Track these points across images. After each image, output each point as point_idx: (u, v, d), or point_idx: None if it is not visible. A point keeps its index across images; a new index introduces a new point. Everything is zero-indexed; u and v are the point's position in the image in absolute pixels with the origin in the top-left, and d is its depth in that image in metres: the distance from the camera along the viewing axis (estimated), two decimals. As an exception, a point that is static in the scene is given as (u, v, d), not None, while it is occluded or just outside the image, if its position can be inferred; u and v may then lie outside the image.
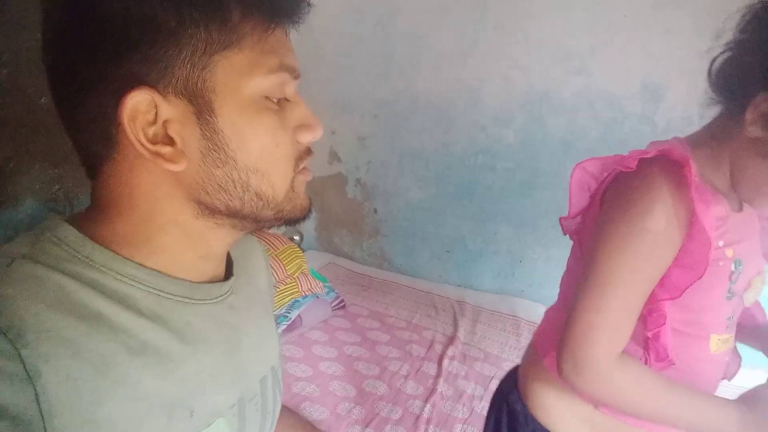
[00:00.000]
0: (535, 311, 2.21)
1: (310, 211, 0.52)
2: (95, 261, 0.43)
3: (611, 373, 0.68)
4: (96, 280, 0.43)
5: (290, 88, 0.47)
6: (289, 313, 1.92)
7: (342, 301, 2.22)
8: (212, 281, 0.52)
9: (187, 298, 0.48)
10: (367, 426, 1.51)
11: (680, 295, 0.68)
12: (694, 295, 0.68)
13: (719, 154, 0.71)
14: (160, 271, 0.46)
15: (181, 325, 0.48)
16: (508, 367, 1.85)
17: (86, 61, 0.41)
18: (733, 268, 0.72)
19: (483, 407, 1.63)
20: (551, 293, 0.90)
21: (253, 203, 0.46)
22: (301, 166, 0.49)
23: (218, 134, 0.43)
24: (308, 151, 0.50)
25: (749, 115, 0.64)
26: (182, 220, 0.46)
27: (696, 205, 0.64)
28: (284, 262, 2.01)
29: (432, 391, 1.69)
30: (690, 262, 0.67)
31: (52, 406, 0.37)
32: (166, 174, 0.44)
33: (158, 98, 0.41)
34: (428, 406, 1.61)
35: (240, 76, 0.43)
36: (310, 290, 2.03)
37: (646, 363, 0.73)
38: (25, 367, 0.36)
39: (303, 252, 2.21)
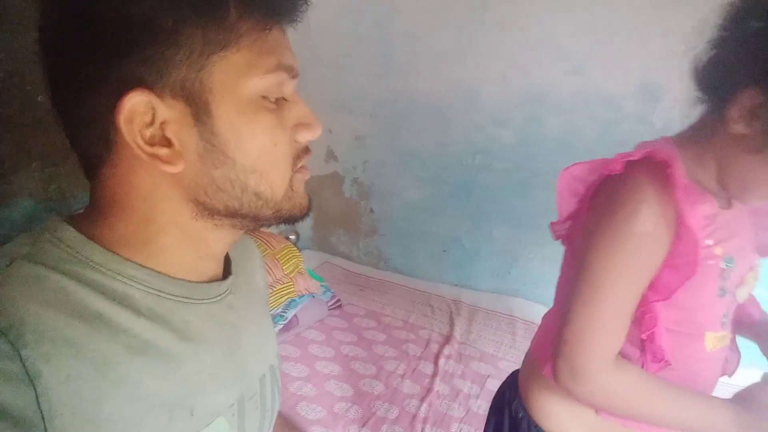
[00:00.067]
0: (531, 310, 2.22)
1: (309, 209, 0.52)
2: (95, 261, 0.43)
3: (607, 379, 0.69)
4: (96, 281, 0.43)
5: (288, 88, 0.47)
6: (285, 312, 1.92)
7: (338, 300, 2.22)
8: (211, 281, 0.52)
9: (186, 298, 0.48)
10: (364, 425, 1.51)
11: (671, 296, 0.68)
12: (685, 294, 0.68)
13: (706, 151, 0.71)
14: (159, 272, 0.46)
15: (181, 324, 0.48)
16: (504, 366, 1.88)
17: (83, 62, 0.40)
18: (723, 266, 0.72)
19: (479, 406, 1.64)
20: (547, 292, 0.90)
21: (251, 203, 0.46)
22: (299, 165, 0.49)
23: (216, 135, 0.43)
24: (306, 150, 0.50)
25: (733, 112, 0.64)
26: (181, 222, 0.46)
27: (681, 206, 0.64)
28: (281, 262, 2.01)
29: (428, 390, 1.70)
30: (679, 262, 0.67)
31: (52, 407, 0.37)
32: (164, 175, 0.44)
33: (155, 100, 0.41)
34: (425, 405, 1.62)
35: (237, 77, 0.43)
36: (306, 290, 2.03)
37: (642, 365, 0.74)
38: (25, 367, 0.36)
39: (300, 251, 2.21)
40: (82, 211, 0.48)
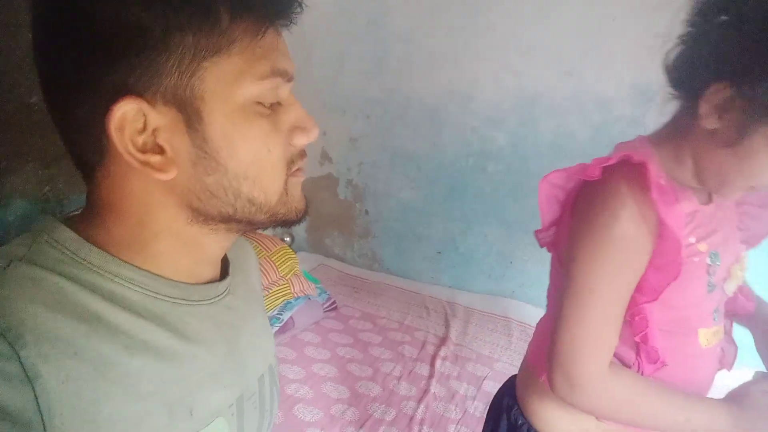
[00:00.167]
0: (525, 312, 2.22)
1: (305, 213, 0.51)
2: (92, 263, 0.43)
3: (604, 386, 0.69)
4: (93, 282, 0.43)
5: (283, 91, 0.46)
6: (281, 314, 1.92)
7: (334, 302, 2.22)
8: (209, 282, 0.52)
9: (184, 300, 0.48)
10: (360, 427, 1.51)
11: (658, 297, 0.69)
12: (674, 293, 0.68)
13: (681, 149, 0.71)
14: (156, 274, 0.46)
15: (180, 325, 0.48)
16: (499, 367, 1.88)
17: (73, 68, 0.40)
18: (709, 262, 0.72)
19: (476, 407, 1.64)
20: (542, 294, 0.90)
21: (245, 209, 0.46)
22: (294, 169, 0.49)
23: (208, 142, 0.42)
24: (302, 154, 0.49)
25: (703, 108, 0.64)
26: (176, 227, 0.46)
27: (659, 207, 0.64)
28: (277, 264, 2.00)
29: (425, 391, 1.70)
30: (663, 263, 0.68)
31: (51, 407, 0.37)
32: (157, 182, 0.43)
33: (146, 107, 0.40)
34: (421, 406, 1.62)
35: (230, 83, 0.42)
36: (302, 292, 2.03)
37: (638, 366, 0.74)
38: (23, 368, 0.36)
39: (295, 253, 2.20)
40: (78, 212, 0.48)
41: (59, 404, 0.38)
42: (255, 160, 0.44)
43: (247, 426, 0.55)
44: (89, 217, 0.46)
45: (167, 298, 0.47)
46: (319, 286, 2.22)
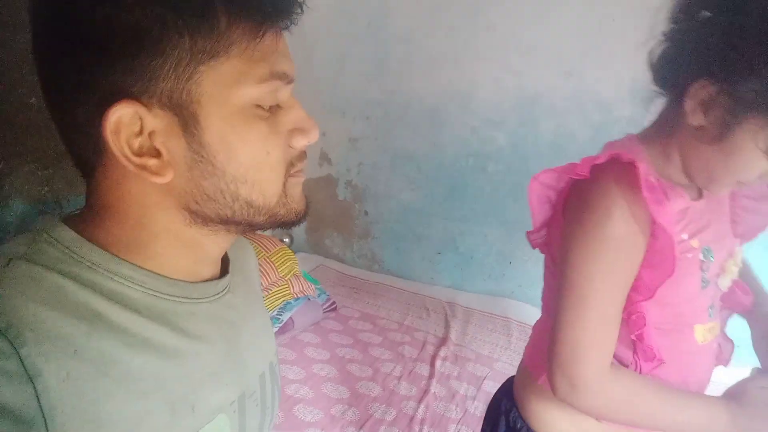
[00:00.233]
0: (525, 312, 2.23)
1: (305, 214, 0.51)
2: (92, 262, 0.43)
3: (606, 387, 0.68)
4: (93, 281, 0.43)
5: (283, 94, 0.46)
6: (281, 315, 1.91)
7: (333, 303, 2.22)
8: (209, 280, 0.52)
9: (184, 298, 0.48)
10: (361, 428, 1.51)
11: (654, 295, 0.68)
12: (668, 290, 0.68)
13: (670, 145, 0.71)
14: (156, 273, 0.46)
15: (180, 323, 0.48)
16: (499, 367, 1.88)
17: (70, 69, 0.40)
18: (702, 258, 0.72)
19: (476, 407, 1.64)
20: (540, 294, 0.90)
21: (244, 211, 0.46)
22: (293, 171, 0.48)
23: (204, 146, 0.42)
24: (302, 155, 0.49)
25: (688, 105, 0.64)
26: (175, 229, 0.46)
27: (650, 205, 0.64)
28: (276, 264, 2.00)
29: (425, 391, 1.70)
30: (657, 261, 0.67)
31: (53, 405, 0.37)
32: (154, 184, 0.43)
33: (142, 111, 0.40)
34: (422, 406, 1.62)
35: (227, 87, 0.41)
36: (302, 292, 2.03)
37: (636, 365, 0.74)
38: (24, 366, 0.36)
39: (294, 254, 2.20)
40: (78, 212, 0.48)
41: (60, 402, 0.37)
42: (253, 163, 0.44)
43: (249, 424, 0.55)
44: (89, 216, 0.46)
45: (167, 297, 0.47)
46: (318, 286, 2.22)
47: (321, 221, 2.84)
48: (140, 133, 0.41)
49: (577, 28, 1.99)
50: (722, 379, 0.85)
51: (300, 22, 0.46)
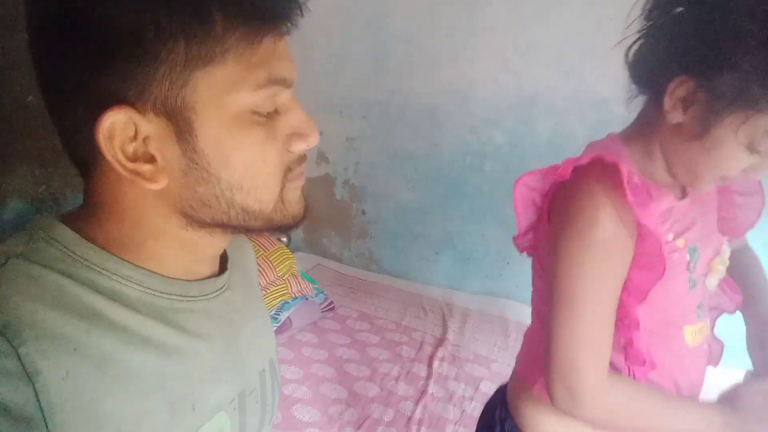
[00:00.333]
0: (522, 312, 2.22)
1: (303, 218, 0.50)
2: (90, 261, 0.43)
3: (607, 395, 0.68)
4: (92, 280, 0.42)
5: (282, 98, 0.45)
6: (278, 314, 1.91)
7: (331, 302, 2.21)
8: (208, 277, 0.52)
9: (182, 296, 0.48)
10: (359, 428, 1.51)
11: (646, 297, 0.68)
12: (656, 292, 0.68)
13: (651, 145, 0.70)
14: (154, 272, 0.46)
15: (180, 321, 0.47)
16: (497, 368, 1.88)
17: (64, 71, 0.40)
18: (689, 258, 0.72)
19: (474, 407, 1.64)
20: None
21: (239, 217, 0.46)
22: (291, 175, 0.47)
23: (199, 153, 0.42)
24: (301, 159, 0.48)
25: (667, 102, 0.64)
26: (171, 230, 0.46)
27: (634, 208, 0.63)
28: (274, 264, 2.00)
29: (423, 392, 1.70)
30: (646, 262, 0.67)
31: (52, 403, 0.37)
32: (149, 189, 0.43)
33: (136, 116, 0.39)
34: (419, 407, 1.62)
35: (223, 93, 0.41)
36: (300, 292, 2.02)
37: (629, 370, 0.73)
38: (23, 364, 0.36)
39: (292, 253, 2.20)
40: (75, 210, 0.48)
41: (60, 401, 0.37)
42: (249, 170, 0.43)
43: (249, 421, 0.55)
44: (86, 215, 0.46)
45: (165, 295, 0.47)
46: (316, 286, 2.22)
47: (319, 221, 2.84)
48: (135, 137, 0.40)
49: (577, 28, 1.99)
50: (715, 379, 0.85)
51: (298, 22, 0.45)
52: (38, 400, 0.36)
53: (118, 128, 0.39)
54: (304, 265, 2.56)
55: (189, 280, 0.49)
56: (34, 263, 0.41)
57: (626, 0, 0.68)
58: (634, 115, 0.76)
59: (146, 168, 0.41)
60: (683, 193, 0.75)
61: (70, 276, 0.41)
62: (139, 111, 0.39)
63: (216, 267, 0.54)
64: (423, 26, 2.26)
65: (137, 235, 0.45)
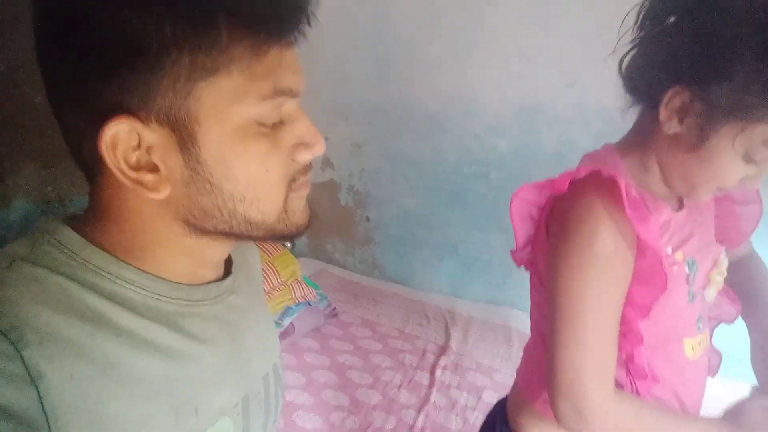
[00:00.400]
0: (526, 321, 2.18)
1: (307, 227, 0.50)
2: (94, 264, 0.43)
3: (612, 414, 0.66)
4: (96, 283, 0.42)
5: (288, 107, 0.44)
6: (281, 320, 1.91)
7: (334, 309, 2.21)
8: (212, 281, 0.52)
9: (186, 300, 0.48)
10: (360, 436, 1.50)
11: (649, 313, 0.67)
12: (656, 307, 0.67)
13: (647, 155, 0.70)
14: (158, 276, 0.46)
15: (184, 325, 0.47)
16: (499, 377, 1.87)
17: (70, 77, 0.40)
18: (687, 270, 0.71)
19: (476, 417, 1.63)
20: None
21: (242, 227, 0.45)
22: (296, 185, 0.47)
23: (201, 164, 0.41)
24: (306, 168, 0.48)
25: (663, 113, 0.63)
26: (174, 238, 0.46)
27: (634, 223, 0.62)
28: (278, 269, 2.00)
29: (425, 400, 1.69)
30: (647, 276, 0.66)
31: (56, 407, 0.37)
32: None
33: (139, 126, 0.39)
34: (422, 416, 1.61)
35: (227, 104, 0.40)
36: (303, 297, 2.02)
37: (631, 385, 0.72)
38: (27, 368, 0.36)
39: (296, 259, 2.20)
40: (80, 213, 0.48)
41: (64, 404, 0.37)
42: (252, 181, 0.43)
43: (252, 425, 0.55)
44: (91, 219, 0.46)
45: (169, 300, 0.47)
46: (319, 292, 2.22)
47: (323, 226, 2.84)
48: (138, 147, 0.40)
49: (580, 37, 1.99)
50: (711, 392, 0.84)
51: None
52: (42, 404, 0.36)
53: (121, 137, 0.39)
54: (307, 270, 2.56)
55: (193, 285, 0.49)
56: (39, 266, 0.41)
57: (630, 10, 0.68)
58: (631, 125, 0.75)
59: (149, 177, 0.41)
60: (680, 204, 0.75)
61: (74, 279, 0.41)
62: (142, 121, 0.39)
63: (221, 271, 0.54)
64: (427, 32, 2.27)
65: (141, 241, 0.45)
